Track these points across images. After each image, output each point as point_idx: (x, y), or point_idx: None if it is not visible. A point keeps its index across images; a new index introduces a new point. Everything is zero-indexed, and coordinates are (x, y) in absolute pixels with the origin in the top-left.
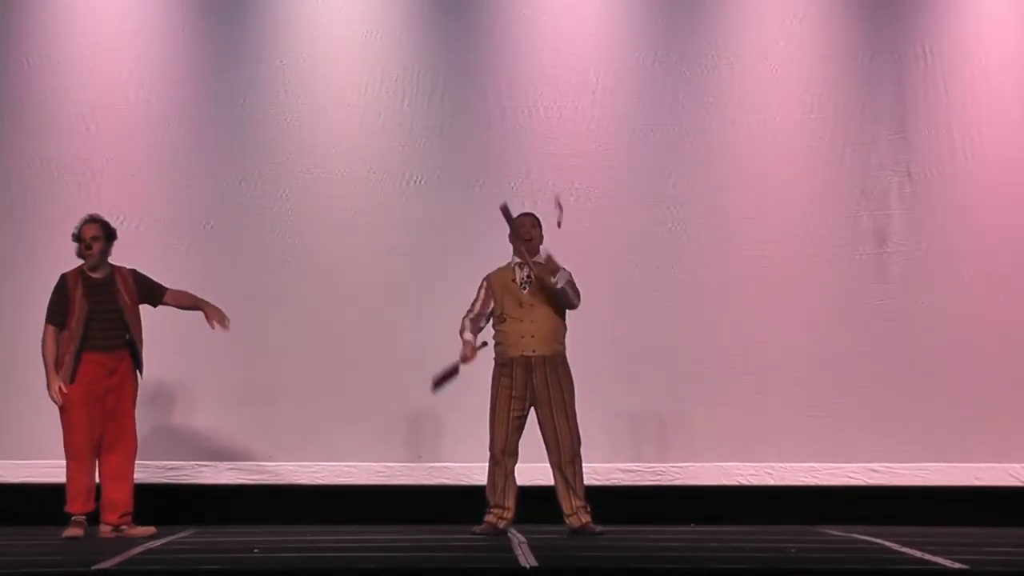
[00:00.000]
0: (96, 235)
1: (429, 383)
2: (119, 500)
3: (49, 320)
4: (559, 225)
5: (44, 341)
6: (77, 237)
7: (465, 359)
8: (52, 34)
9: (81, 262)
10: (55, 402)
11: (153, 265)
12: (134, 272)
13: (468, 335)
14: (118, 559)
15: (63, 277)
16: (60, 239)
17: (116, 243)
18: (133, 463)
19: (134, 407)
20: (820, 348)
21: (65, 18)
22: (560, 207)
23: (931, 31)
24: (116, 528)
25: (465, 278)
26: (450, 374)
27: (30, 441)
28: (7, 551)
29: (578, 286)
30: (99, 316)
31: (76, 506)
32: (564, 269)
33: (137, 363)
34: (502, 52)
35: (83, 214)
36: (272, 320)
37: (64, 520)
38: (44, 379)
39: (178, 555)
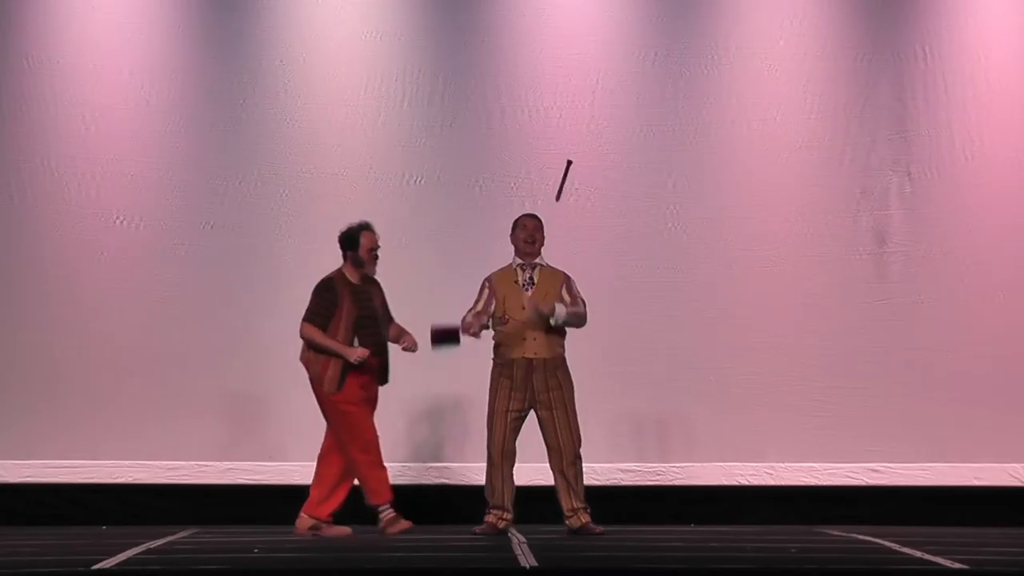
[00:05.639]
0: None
1: (428, 336)
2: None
3: (313, 323)
4: (558, 197)
5: (313, 337)
6: (356, 242)
7: (468, 328)
8: (52, 34)
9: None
10: (359, 360)
11: (153, 265)
12: (378, 284)
13: (474, 316)
14: (118, 559)
15: (331, 280)
16: (60, 239)
17: (111, 243)
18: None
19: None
20: (820, 348)
21: (65, 18)
22: (564, 177)
23: (931, 31)
24: (315, 528)
25: (465, 278)
26: (449, 337)
27: (30, 441)
28: (7, 551)
29: (579, 285)
30: (364, 322)
31: (384, 496)
32: (555, 305)
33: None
34: (502, 52)
35: (86, 214)
36: (272, 320)
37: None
38: (43, 380)
39: (178, 555)
